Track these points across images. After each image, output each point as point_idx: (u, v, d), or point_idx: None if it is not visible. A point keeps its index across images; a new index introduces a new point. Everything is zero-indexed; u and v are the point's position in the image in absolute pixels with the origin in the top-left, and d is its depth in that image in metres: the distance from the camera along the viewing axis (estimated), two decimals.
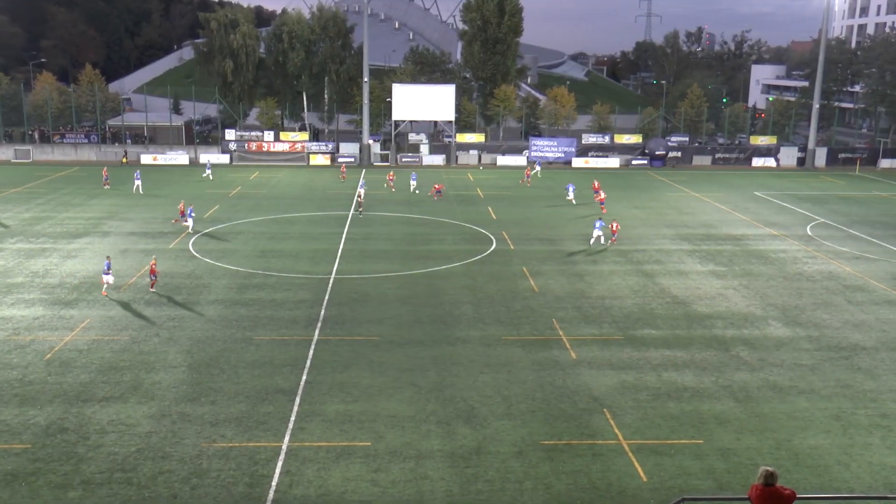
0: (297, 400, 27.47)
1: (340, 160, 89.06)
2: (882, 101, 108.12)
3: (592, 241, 50.98)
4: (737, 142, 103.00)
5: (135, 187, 68.52)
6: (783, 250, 51.41)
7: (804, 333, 35.45)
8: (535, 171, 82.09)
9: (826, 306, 39.47)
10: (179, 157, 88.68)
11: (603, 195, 64.89)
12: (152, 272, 39.75)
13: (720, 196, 70.71)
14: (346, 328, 34.69)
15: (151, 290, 39.50)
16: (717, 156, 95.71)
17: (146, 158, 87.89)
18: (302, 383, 28.83)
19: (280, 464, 23.29)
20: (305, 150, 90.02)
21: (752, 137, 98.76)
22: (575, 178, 79.47)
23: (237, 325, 34.94)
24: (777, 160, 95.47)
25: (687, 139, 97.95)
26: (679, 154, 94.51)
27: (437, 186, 68.36)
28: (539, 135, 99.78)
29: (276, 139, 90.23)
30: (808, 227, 58.65)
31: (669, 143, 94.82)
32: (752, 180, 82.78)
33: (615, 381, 29.44)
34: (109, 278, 38.96)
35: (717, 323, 36.53)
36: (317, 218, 58.45)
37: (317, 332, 34.14)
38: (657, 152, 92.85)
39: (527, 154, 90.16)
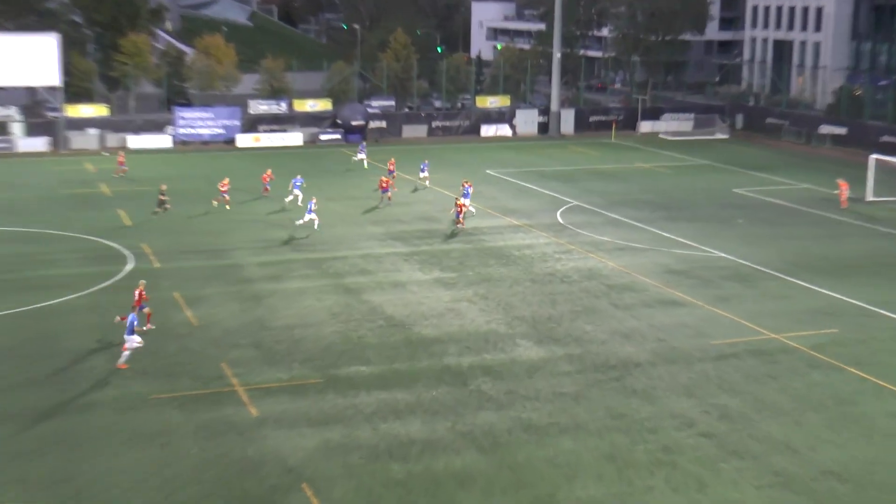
0: None
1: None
2: (636, 48, 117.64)
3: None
4: (459, 105, 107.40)
5: None
6: (528, 245, 54.11)
7: (563, 352, 37.40)
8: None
9: (588, 314, 41.96)
10: None
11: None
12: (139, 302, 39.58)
13: (442, 178, 73.22)
14: None
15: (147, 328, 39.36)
16: (435, 124, 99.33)
17: None
18: None
19: None
20: None
21: (478, 99, 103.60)
22: (248, 163, 79.30)
23: None
24: (513, 127, 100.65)
25: (393, 103, 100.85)
26: (384, 124, 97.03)
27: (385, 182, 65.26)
28: (188, 104, 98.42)
29: None
30: (558, 213, 62.27)
31: (370, 110, 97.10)
32: (482, 155, 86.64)
33: (316, 443, 29.47)
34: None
35: (450, 348, 37.66)
36: None
37: None
38: (353, 122, 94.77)
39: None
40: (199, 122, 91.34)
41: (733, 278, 48.01)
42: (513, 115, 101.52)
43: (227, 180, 63.11)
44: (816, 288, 46.51)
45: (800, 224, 60.53)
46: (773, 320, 41.45)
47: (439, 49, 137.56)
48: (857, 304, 43.97)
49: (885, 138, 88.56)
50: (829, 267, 50.25)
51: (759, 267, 50.11)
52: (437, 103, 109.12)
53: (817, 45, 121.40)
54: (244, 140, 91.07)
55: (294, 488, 26.78)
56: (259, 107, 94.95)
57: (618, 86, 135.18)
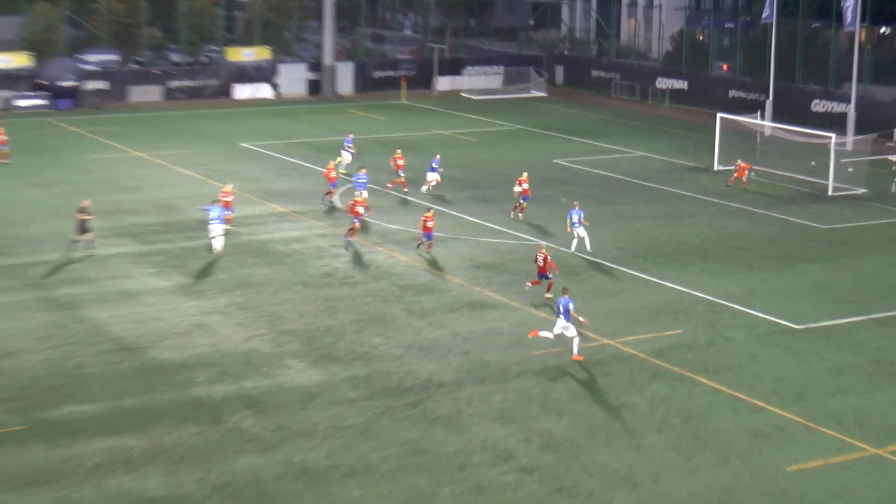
0: None
1: None
2: None
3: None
4: (205, 60, 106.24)
5: None
6: (298, 238, 54.30)
7: (345, 374, 37.51)
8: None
9: (376, 324, 42.25)
10: None
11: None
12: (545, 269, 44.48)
13: (184, 155, 72.55)
14: None
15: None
16: (173, 85, 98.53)
17: None
18: None
19: None
20: None
21: (230, 51, 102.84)
22: None
23: None
24: (275, 87, 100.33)
25: (116, 58, 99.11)
26: (105, 85, 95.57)
27: None
28: None
29: None
30: (336, 197, 62.33)
31: (85, 67, 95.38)
32: (236, 123, 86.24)
33: None
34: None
35: (198, 376, 37.34)
36: None
37: None
38: (63, 83, 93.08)
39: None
40: None
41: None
42: (275, 72, 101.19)
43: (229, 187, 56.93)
44: (657, 280, 47.83)
45: (636, 201, 62.16)
46: (607, 322, 42.35)
47: None
48: (704, 298, 45.39)
49: (734, 93, 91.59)
50: (672, 254, 51.75)
51: (587, 256, 51.15)
52: (176, 57, 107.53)
53: None
54: None
55: None
56: None
57: (408, 32, 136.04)
